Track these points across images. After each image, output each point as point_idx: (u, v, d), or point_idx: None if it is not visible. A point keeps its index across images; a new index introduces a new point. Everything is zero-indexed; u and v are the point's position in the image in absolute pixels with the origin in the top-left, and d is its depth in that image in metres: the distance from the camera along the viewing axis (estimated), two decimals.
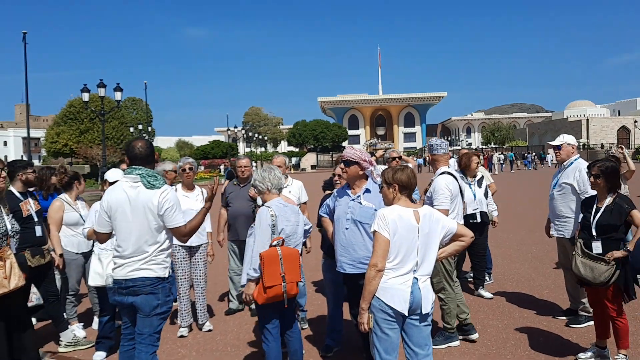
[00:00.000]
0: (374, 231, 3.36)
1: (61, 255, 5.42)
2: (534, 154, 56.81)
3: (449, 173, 5.12)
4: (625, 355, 4.34)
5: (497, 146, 78.49)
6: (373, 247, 3.36)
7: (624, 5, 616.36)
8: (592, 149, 62.06)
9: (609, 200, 4.42)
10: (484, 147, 77.91)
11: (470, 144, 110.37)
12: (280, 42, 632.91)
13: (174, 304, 6.41)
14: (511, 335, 5.34)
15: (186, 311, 5.68)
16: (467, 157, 6.88)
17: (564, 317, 5.74)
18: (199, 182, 41.84)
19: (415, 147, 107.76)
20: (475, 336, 5.16)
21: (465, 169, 6.82)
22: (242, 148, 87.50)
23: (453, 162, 7.55)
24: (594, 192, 4.73)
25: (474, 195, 6.65)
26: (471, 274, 7.68)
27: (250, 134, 77.09)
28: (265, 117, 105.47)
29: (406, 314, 3.32)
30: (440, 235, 3.46)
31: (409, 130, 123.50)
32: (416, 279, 3.35)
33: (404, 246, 3.31)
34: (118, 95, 26.43)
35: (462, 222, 6.28)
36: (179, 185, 5.80)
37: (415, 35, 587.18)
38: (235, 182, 6.46)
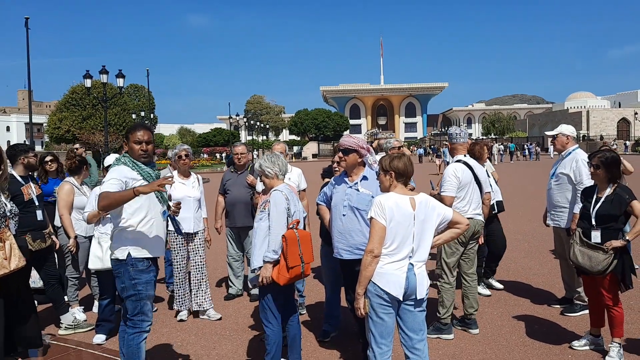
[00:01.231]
0: (371, 218, 3.40)
1: (75, 238, 5.49)
2: (534, 144, 56.74)
3: (464, 162, 5.14)
4: (619, 344, 4.39)
5: (497, 137, 78.36)
6: (370, 234, 3.40)
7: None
8: (592, 140, 61.93)
9: (609, 190, 4.45)
10: (484, 137, 77.77)
11: (470, 134, 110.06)
12: (282, 31, 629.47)
13: (169, 289, 6.55)
14: (506, 323, 5.40)
15: (184, 296, 5.74)
16: (480, 147, 6.80)
17: (559, 306, 5.80)
18: (201, 170, 42.06)
19: (416, 137, 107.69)
20: (475, 331, 5.14)
21: (479, 159, 6.68)
22: (243, 136, 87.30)
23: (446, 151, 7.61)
24: (589, 183, 4.76)
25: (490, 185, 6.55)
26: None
27: (252, 122, 76.98)
28: (267, 105, 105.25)
29: (401, 299, 3.37)
30: (436, 222, 3.49)
31: (410, 120, 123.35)
32: (412, 264, 3.39)
33: (400, 233, 3.35)
34: (120, 82, 26.38)
35: (493, 210, 6.33)
36: (175, 172, 5.83)
37: (417, 26, 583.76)
38: (232, 170, 6.49)
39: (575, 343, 4.69)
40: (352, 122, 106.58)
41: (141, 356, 3.80)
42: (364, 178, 4.23)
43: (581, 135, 67.28)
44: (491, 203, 6.32)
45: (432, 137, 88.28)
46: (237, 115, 64.88)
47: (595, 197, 4.52)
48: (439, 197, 4.86)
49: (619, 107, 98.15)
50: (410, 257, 3.39)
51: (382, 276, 3.35)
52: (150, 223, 3.83)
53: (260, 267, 4.02)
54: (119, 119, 52.94)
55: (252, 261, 4.14)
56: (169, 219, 4.00)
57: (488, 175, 6.71)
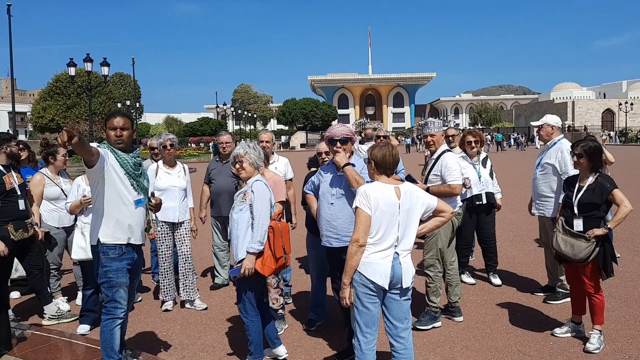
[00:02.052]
0: (356, 207, 3.41)
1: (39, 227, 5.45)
2: (520, 135, 57.18)
3: (449, 150, 5.21)
4: (600, 331, 4.45)
5: (484, 127, 78.79)
6: (355, 223, 3.41)
7: None
8: (576, 130, 62.48)
9: (591, 179, 4.49)
10: (470, 128, 78.19)
11: (457, 124, 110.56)
12: (271, 19, 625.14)
13: (154, 279, 6.52)
14: (490, 311, 5.45)
15: (170, 286, 5.72)
16: (460, 137, 6.79)
17: (542, 294, 5.86)
18: (188, 160, 41.77)
19: (404, 127, 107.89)
20: (460, 319, 5.18)
21: (465, 150, 6.67)
22: (231, 125, 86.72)
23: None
24: (575, 173, 4.79)
25: (479, 176, 6.43)
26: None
27: (239, 111, 76.55)
28: (255, 94, 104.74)
29: (387, 288, 3.38)
30: (420, 211, 3.51)
31: (398, 110, 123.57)
32: (397, 253, 3.41)
33: (385, 222, 3.36)
34: (105, 70, 26.03)
35: (479, 201, 6.36)
36: (160, 162, 5.79)
37: (406, 16, 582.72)
38: (217, 159, 6.46)
39: (557, 330, 4.75)
40: (340, 111, 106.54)
41: (114, 342, 3.80)
42: (352, 165, 4.22)
43: (566, 125, 67.85)
44: (477, 193, 6.34)
45: (419, 127, 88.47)
46: (225, 104, 64.49)
47: (577, 186, 4.56)
48: (433, 189, 4.89)
49: (604, 97, 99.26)
50: (396, 246, 3.41)
51: (368, 266, 3.36)
52: (121, 210, 3.82)
53: (243, 259, 4.02)
54: (104, 108, 52.43)
55: (235, 254, 4.12)
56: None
57: (484, 166, 6.66)
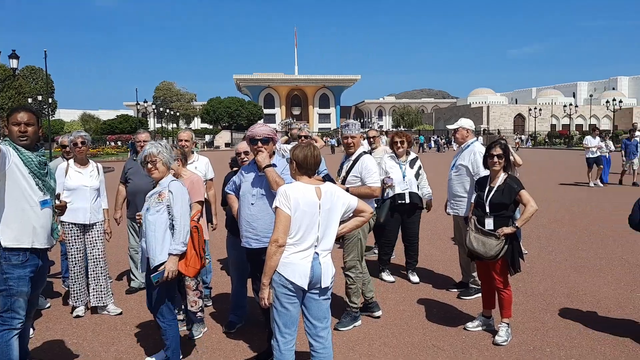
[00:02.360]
0: (276, 207, 3.39)
1: None
2: (439, 137, 59.55)
3: (366, 152, 5.31)
4: (507, 323, 4.70)
5: (406, 129, 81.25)
6: (274, 223, 3.38)
7: (524, 1, 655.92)
8: (491, 134, 65.91)
9: (501, 180, 4.73)
10: (394, 129, 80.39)
11: (381, 126, 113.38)
12: (195, 16, 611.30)
13: (64, 284, 6.17)
14: (408, 307, 5.61)
15: (81, 291, 5.43)
16: (390, 138, 6.94)
17: (456, 290, 6.12)
18: (105, 159, 39.94)
19: (330, 128, 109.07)
20: (379, 313, 5.30)
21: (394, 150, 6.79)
22: (152, 123, 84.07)
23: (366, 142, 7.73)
24: (486, 173, 5.03)
25: (404, 176, 6.53)
26: (375, 250, 7.95)
27: (161, 109, 74.30)
28: (177, 92, 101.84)
29: (306, 289, 3.38)
30: (341, 211, 3.54)
31: (324, 111, 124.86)
32: (317, 254, 3.41)
33: (305, 222, 3.36)
34: (14, 63, 24.41)
35: (402, 200, 6.45)
36: (71, 161, 5.49)
37: (331, 17, 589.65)
38: (134, 158, 6.22)
39: (469, 324, 4.97)
40: (266, 111, 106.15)
41: (11, 354, 3.54)
42: (273, 166, 4.20)
43: (482, 129, 71.39)
44: (400, 192, 6.47)
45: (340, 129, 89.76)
46: (145, 101, 62.27)
47: (488, 186, 4.79)
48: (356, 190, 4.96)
49: (516, 103, 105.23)
50: (316, 246, 3.41)
51: (287, 266, 3.34)
52: (26, 211, 3.57)
53: (164, 262, 3.90)
54: (12, 103, 49.17)
55: (153, 257, 3.96)
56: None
57: (411, 167, 6.77)
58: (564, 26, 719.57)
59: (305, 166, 3.47)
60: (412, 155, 6.81)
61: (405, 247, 6.82)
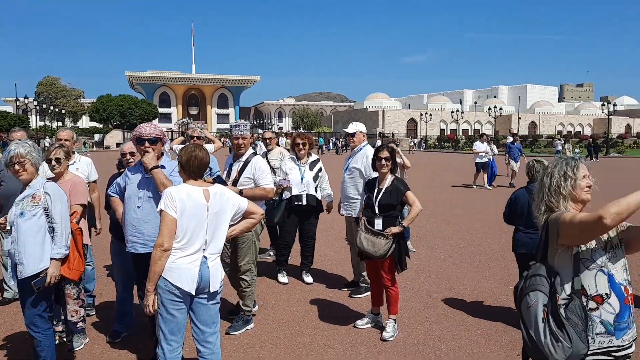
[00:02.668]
0: (161, 210, 3.28)
1: None
2: (338, 139, 60.98)
3: (256, 154, 5.31)
4: (394, 320, 4.91)
5: (305, 131, 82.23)
6: (159, 227, 3.27)
7: (416, 11, 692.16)
8: (386, 137, 68.59)
9: (388, 182, 4.92)
10: (293, 132, 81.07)
11: (281, 127, 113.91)
12: (81, 7, 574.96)
13: None
14: (301, 308, 5.67)
15: None
16: (292, 139, 6.95)
17: (347, 289, 6.28)
18: None
19: (229, 129, 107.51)
20: (256, 308, 5.29)
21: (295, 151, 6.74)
22: (34, 121, 77.80)
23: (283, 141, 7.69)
24: (375, 175, 5.20)
25: (302, 178, 6.51)
26: (271, 252, 7.96)
27: (44, 106, 69.12)
28: (63, 88, 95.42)
29: (193, 294, 3.30)
30: (230, 213, 3.49)
31: (223, 111, 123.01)
32: (205, 257, 3.35)
33: (192, 225, 3.28)
34: None
35: (300, 201, 6.46)
36: None
37: (232, 18, 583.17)
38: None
39: (359, 322, 5.11)
40: (161, 110, 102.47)
41: None
42: (162, 167, 4.06)
43: (378, 132, 74.08)
44: (297, 194, 6.47)
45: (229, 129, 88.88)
46: (26, 97, 57.60)
47: (377, 188, 4.96)
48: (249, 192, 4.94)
49: (409, 108, 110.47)
50: (204, 249, 3.34)
51: (174, 271, 3.25)
52: None
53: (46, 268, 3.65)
54: None
55: (34, 264, 3.66)
56: None
57: (311, 169, 6.75)
58: (453, 37, 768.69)
59: (189, 168, 3.39)
60: (313, 157, 6.83)
61: (301, 247, 6.87)
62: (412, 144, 58.65)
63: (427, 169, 28.28)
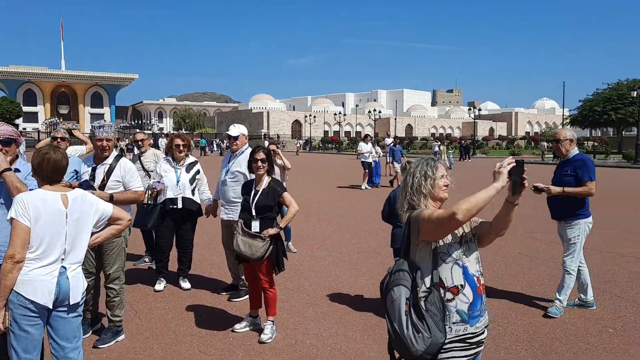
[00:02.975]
0: (12, 218, 2.99)
1: None
2: (221, 140, 60.11)
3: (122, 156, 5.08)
4: (272, 321, 4.90)
5: (188, 132, 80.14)
6: (10, 236, 2.99)
7: (300, 12, 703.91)
8: (272, 138, 68.89)
9: (265, 183, 4.90)
10: (173, 132, 78.72)
11: (162, 128, 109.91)
12: None
13: None
14: (176, 316, 5.46)
15: None
16: (169, 140, 6.63)
17: (226, 293, 6.18)
18: None
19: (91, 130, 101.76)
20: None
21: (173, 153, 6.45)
22: None
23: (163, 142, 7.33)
24: (252, 177, 5.17)
25: (178, 180, 6.29)
26: (146, 259, 7.61)
27: None
28: None
29: (51, 307, 3.05)
30: (93, 219, 3.27)
31: (97, 111, 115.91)
32: (64, 268, 3.11)
33: (49, 233, 3.03)
34: None
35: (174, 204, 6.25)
36: None
37: (102, 10, 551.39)
38: None
39: (237, 326, 5.04)
40: (25, 109, 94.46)
41: None
42: (16, 170, 3.71)
43: (263, 133, 74.11)
44: (172, 197, 6.21)
45: (120, 130, 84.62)
46: None
47: (254, 190, 4.93)
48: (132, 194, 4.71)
49: (294, 110, 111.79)
50: (63, 259, 3.10)
51: (28, 284, 2.98)
52: None
53: None
54: None
55: None
56: None
57: (187, 172, 6.51)
58: (335, 41, 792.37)
59: (41, 172, 3.13)
60: (191, 159, 6.60)
61: (178, 253, 6.61)
62: (298, 145, 59.47)
63: (312, 170, 28.80)
